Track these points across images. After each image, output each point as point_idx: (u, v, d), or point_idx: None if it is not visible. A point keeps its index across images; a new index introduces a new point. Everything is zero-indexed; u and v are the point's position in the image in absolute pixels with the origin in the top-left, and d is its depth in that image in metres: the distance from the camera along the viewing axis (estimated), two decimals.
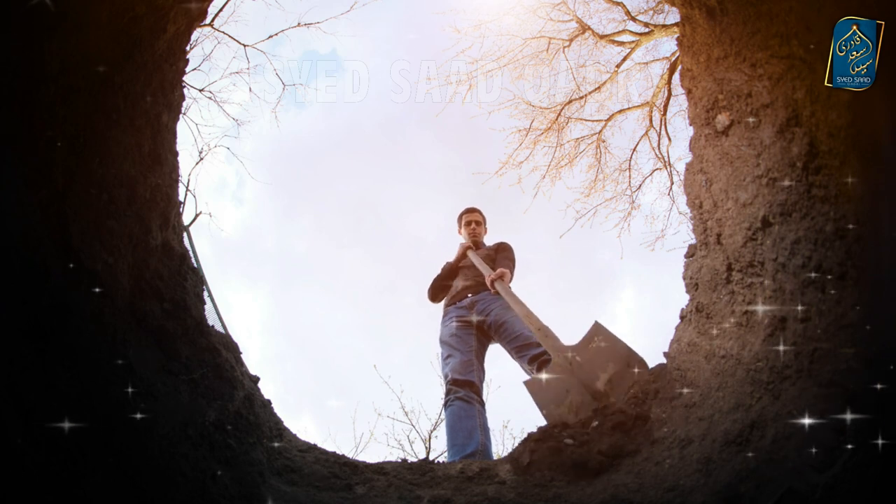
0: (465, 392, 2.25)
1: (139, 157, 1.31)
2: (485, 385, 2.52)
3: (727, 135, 1.23)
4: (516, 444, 1.36)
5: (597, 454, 1.18)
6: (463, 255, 3.06)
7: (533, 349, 2.25)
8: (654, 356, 1.91)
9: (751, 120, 1.15)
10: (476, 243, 3.15)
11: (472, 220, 3.27)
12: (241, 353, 1.57)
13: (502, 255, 2.90)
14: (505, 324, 2.44)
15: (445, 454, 2.20)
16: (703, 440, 1.11)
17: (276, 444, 1.44)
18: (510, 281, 2.61)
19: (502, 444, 7.62)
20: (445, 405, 2.28)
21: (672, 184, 7.11)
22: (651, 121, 7.06)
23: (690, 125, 1.42)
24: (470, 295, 2.72)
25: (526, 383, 1.70)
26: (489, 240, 3.30)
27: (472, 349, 2.46)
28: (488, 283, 2.51)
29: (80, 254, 1.07)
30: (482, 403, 2.28)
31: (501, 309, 2.52)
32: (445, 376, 2.40)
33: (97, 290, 1.11)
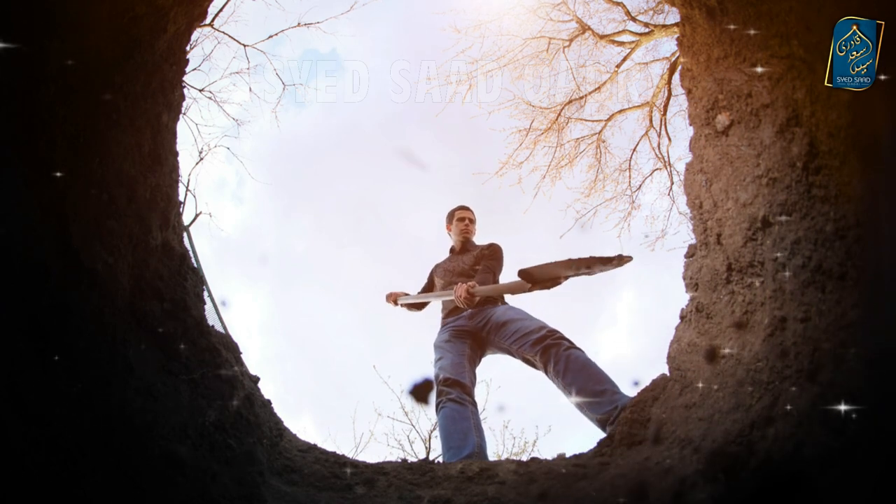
0: (456, 393, 2.21)
1: (139, 157, 1.31)
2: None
3: (727, 135, 1.23)
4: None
5: None
6: (394, 303, 3.06)
7: (534, 335, 2.20)
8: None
9: (751, 120, 1.15)
10: (466, 241, 3.05)
11: (466, 217, 3.12)
12: (241, 353, 1.57)
13: (483, 265, 2.82)
14: (507, 323, 2.39)
15: (441, 458, 2.17)
16: (703, 440, 1.11)
17: (276, 444, 1.44)
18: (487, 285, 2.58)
19: (502, 444, 7.61)
20: (437, 408, 2.23)
21: (672, 184, 7.11)
22: (651, 121, 7.07)
23: (690, 125, 1.42)
24: (469, 309, 2.64)
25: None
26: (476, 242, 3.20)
27: (464, 354, 2.43)
28: (460, 303, 2.47)
29: (80, 254, 1.07)
30: (474, 403, 2.24)
31: (502, 313, 2.47)
32: (436, 377, 2.36)
33: (97, 290, 1.11)
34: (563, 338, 2.16)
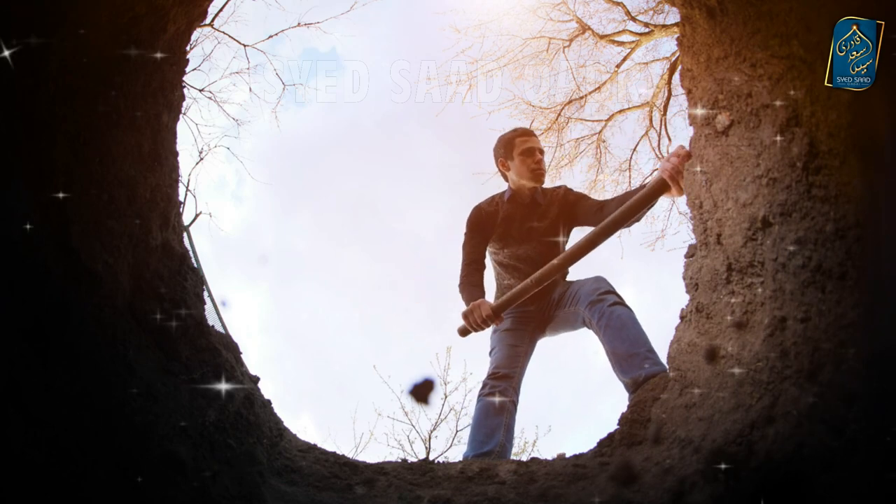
0: (502, 387, 2.10)
1: (139, 157, 1.31)
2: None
3: (727, 135, 1.23)
4: None
5: None
6: (497, 318, 1.98)
7: (586, 288, 2.04)
8: None
9: (751, 120, 1.15)
10: (536, 189, 2.20)
11: (537, 148, 2.17)
12: (241, 353, 1.57)
13: (590, 199, 2.17)
14: (568, 289, 2.17)
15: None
16: (703, 440, 1.11)
17: (276, 444, 1.44)
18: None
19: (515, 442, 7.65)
20: (479, 396, 2.14)
21: None
22: (651, 121, 7.07)
23: (690, 125, 1.42)
24: (535, 303, 2.25)
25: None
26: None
27: (521, 345, 2.22)
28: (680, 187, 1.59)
29: (80, 254, 1.07)
30: (515, 403, 2.13)
31: (563, 287, 2.23)
32: (489, 367, 2.22)
33: (97, 290, 1.11)
34: (610, 292, 2.01)
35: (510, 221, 2.23)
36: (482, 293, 2.12)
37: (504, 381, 2.12)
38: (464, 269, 2.20)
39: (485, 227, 2.25)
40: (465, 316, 2.03)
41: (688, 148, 1.53)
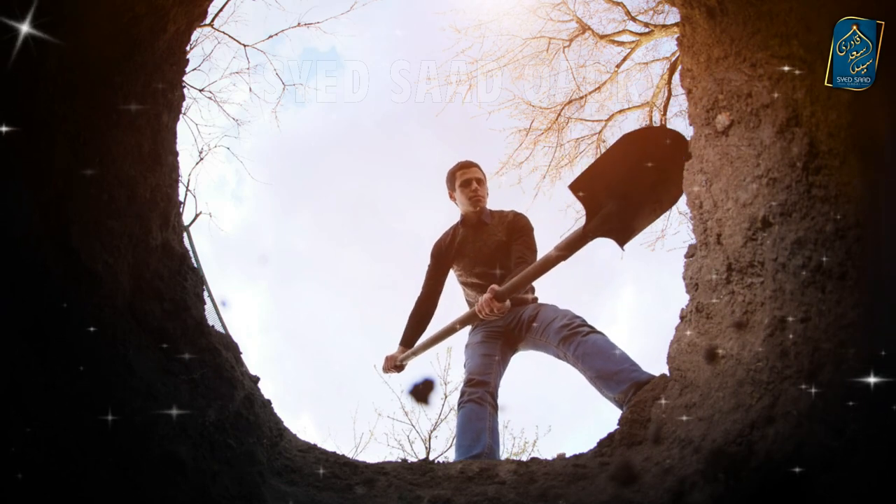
0: (479, 393, 2.16)
1: (139, 157, 1.31)
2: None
3: (727, 135, 1.23)
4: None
5: None
6: (398, 369, 2.43)
7: (556, 323, 2.09)
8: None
9: (751, 120, 1.15)
10: (481, 211, 2.45)
11: (473, 178, 2.44)
12: (241, 353, 1.57)
13: (518, 255, 2.30)
14: (535, 317, 2.24)
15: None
16: (703, 440, 1.11)
17: (276, 444, 1.44)
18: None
19: (501, 445, 7.63)
20: (458, 406, 2.21)
21: None
22: (651, 121, 7.07)
23: (690, 125, 1.42)
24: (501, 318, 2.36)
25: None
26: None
27: (493, 355, 2.31)
28: (493, 317, 2.09)
29: (80, 254, 1.07)
30: (495, 407, 2.19)
31: (532, 310, 2.31)
32: (464, 377, 2.31)
33: (97, 290, 1.11)
34: (583, 324, 2.08)
35: (464, 243, 2.52)
36: (411, 336, 2.47)
37: (480, 388, 2.19)
38: (416, 302, 2.55)
39: (443, 255, 2.56)
40: (384, 360, 2.47)
41: (498, 288, 2.01)
